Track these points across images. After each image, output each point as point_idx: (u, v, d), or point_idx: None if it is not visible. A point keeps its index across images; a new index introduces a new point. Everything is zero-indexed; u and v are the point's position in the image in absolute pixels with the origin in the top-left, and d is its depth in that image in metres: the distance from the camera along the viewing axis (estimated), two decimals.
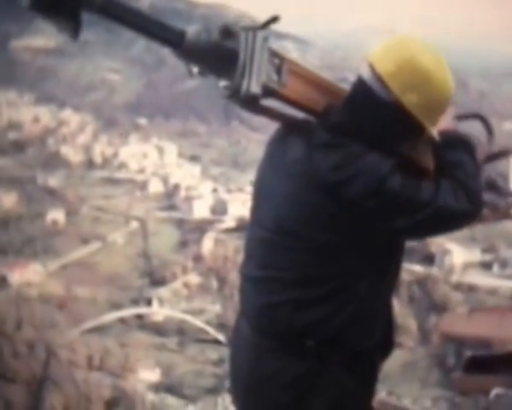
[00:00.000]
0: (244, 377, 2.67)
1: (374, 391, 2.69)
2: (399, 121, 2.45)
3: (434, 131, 2.51)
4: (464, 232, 62.58)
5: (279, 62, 2.43)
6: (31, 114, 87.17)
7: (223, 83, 2.41)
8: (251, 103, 2.39)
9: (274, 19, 2.40)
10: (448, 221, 2.50)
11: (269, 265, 2.57)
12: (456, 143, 2.61)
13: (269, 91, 2.41)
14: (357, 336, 2.52)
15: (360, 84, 2.49)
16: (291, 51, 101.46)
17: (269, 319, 2.58)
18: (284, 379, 2.54)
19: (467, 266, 56.94)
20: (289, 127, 2.60)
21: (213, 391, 42.04)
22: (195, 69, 2.44)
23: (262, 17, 2.43)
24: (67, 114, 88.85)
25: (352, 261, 2.47)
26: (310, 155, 2.45)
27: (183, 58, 2.38)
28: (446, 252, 57.22)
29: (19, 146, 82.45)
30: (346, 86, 2.66)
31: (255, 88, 2.35)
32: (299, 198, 2.46)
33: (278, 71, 2.43)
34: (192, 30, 2.33)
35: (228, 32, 2.34)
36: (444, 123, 2.59)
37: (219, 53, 2.34)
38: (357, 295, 2.47)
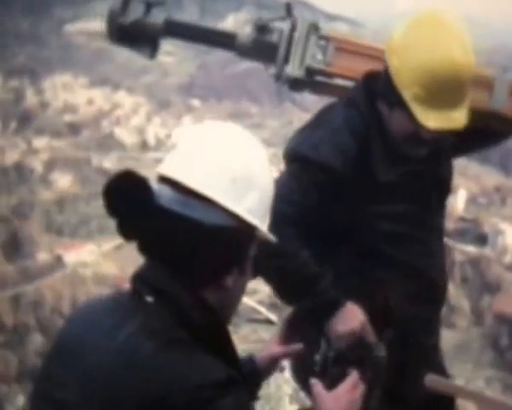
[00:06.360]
0: None
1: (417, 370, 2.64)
2: (384, 80, 2.43)
3: (423, 118, 2.38)
4: None
5: (325, 43, 2.70)
6: (85, 97, 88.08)
7: (272, 70, 2.81)
8: (296, 85, 2.76)
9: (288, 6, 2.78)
10: None
11: None
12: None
13: (315, 72, 2.73)
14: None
15: None
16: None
17: None
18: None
19: None
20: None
21: None
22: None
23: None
24: (121, 96, 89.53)
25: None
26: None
27: (238, 54, 2.88)
28: (499, 232, 56.37)
29: (74, 128, 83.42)
30: None
31: (297, 72, 2.69)
32: None
33: (324, 51, 2.70)
34: (242, 31, 2.83)
35: (263, 28, 2.77)
36: None
37: (263, 47, 2.77)
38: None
